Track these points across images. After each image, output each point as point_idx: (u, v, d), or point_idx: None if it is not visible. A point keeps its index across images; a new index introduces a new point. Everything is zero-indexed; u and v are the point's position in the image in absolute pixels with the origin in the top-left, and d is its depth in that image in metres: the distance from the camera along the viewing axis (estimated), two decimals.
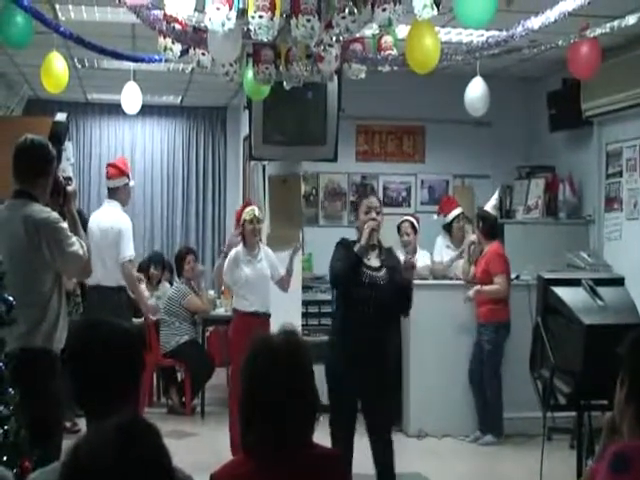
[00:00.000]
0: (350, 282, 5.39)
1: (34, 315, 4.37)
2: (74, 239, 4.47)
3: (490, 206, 8.39)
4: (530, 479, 5.11)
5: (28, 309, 4.30)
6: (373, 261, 5.48)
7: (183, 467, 2.41)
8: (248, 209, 7.37)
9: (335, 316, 5.85)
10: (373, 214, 5.47)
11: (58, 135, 5.04)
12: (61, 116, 5.73)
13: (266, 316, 7.15)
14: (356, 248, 5.42)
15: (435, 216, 9.24)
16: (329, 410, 5.33)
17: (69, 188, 4.69)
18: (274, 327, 2.66)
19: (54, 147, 4.66)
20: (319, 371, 2.66)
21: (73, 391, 2.62)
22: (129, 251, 7.32)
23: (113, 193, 7.54)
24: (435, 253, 8.98)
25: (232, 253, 7.25)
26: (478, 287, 7.90)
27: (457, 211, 8.87)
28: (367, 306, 5.39)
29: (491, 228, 8.17)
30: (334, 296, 5.90)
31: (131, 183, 7.73)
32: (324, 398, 6.13)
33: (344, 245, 5.54)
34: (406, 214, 9.24)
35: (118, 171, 7.49)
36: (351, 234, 5.63)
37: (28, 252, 4.40)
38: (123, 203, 7.57)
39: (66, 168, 9.05)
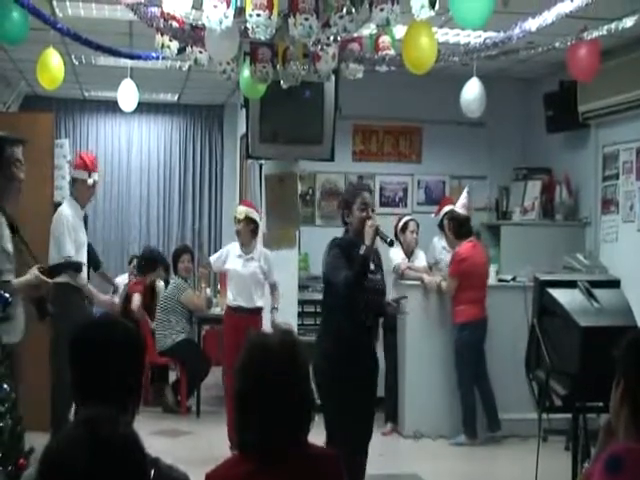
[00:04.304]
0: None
1: None
2: None
3: (460, 205, 8.30)
4: None
5: None
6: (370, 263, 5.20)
7: (178, 465, 2.41)
8: (239, 208, 7.67)
9: (330, 323, 5.31)
10: (370, 212, 5.22)
11: None
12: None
13: (250, 311, 7.30)
14: (361, 250, 5.03)
15: (433, 215, 9.17)
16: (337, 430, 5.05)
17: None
18: (267, 325, 2.65)
19: None
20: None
21: (75, 391, 2.56)
22: None
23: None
24: (429, 255, 8.76)
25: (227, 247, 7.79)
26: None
27: (447, 208, 8.47)
28: (369, 313, 5.21)
29: (460, 227, 8.11)
30: (328, 299, 5.38)
31: (89, 181, 7.01)
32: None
33: (342, 247, 5.19)
34: (403, 214, 9.21)
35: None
36: None
37: None
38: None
39: (62, 165, 9.05)
